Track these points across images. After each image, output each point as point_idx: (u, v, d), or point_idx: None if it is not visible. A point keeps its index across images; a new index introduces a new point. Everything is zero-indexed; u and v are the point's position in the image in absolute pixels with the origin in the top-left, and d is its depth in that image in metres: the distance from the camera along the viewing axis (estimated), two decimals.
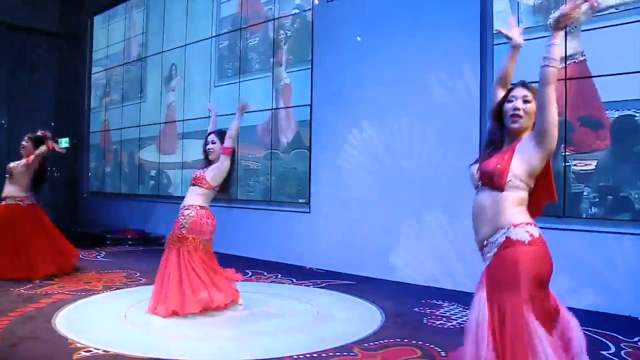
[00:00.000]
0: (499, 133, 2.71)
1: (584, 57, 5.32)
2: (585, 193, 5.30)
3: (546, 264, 2.51)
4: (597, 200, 5.17)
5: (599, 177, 5.19)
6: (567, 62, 5.40)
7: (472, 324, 2.51)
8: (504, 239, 2.52)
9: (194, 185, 5.10)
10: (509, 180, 2.54)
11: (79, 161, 12.84)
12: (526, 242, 2.48)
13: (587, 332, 4.36)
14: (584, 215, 5.29)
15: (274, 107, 8.26)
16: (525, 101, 2.61)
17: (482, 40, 6.10)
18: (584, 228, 5.28)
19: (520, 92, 2.64)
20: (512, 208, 2.55)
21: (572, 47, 5.37)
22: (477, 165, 2.71)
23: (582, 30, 5.31)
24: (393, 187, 6.75)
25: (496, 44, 5.92)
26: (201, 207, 5.01)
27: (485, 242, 2.61)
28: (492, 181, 2.58)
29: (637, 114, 5.02)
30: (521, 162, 2.55)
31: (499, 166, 2.57)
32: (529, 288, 2.42)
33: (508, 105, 2.64)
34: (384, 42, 6.92)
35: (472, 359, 2.46)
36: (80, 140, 12.78)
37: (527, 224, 2.53)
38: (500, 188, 2.56)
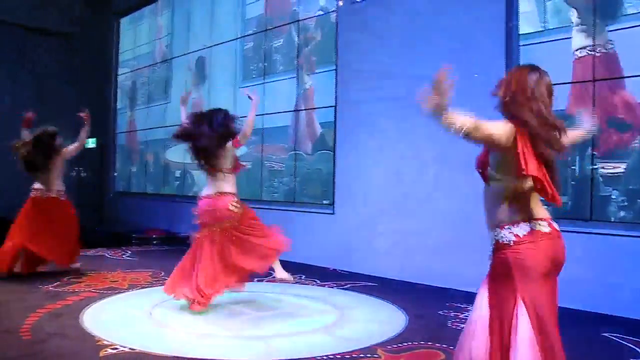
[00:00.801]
0: None
1: (606, 51, 5.24)
2: (613, 196, 5.22)
3: (535, 260, 2.48)
4: (625, 204, 5.09)
5: (628, 180, 5.11)
6: (583, 54, 5.34)
7: (471, 319, 2.60)
8: (495, 242, 2.64)
9: None
10: (489, 172, 2.64)
11: (106, 161, 13.01)
12: (511, 243, 2.52)
13: (615, 338, 4.31)
14: (612, 219, 5.21)
15: (297, 108, 8.28)
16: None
17: (508, 41, 6.04)
18: (612, 232, 5.20)
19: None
20: (501, 204, 2.61)
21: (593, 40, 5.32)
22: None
23: (610, 31, 5.24)
24: (417, 189, 6.71)
25: (522, 45, 5.88)
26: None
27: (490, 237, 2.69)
28: (480, 173, 2.71)
29: None
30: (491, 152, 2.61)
31: (479, 156, 2.71)
32: (521, 288, 2.45)
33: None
34: (408, 43, 6.88)
35: (467, 352, 2.53)
36: (106, 140, 12.95)
37: (511, 224, 2.55)
38: (485, 180, 2.68)
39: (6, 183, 8.87)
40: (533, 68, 2.65)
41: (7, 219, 6.76)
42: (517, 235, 2.51)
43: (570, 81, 5.49)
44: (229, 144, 4.94)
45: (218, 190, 4.96)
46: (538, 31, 5.80)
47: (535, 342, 2.37)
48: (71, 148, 6.77)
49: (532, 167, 2.43)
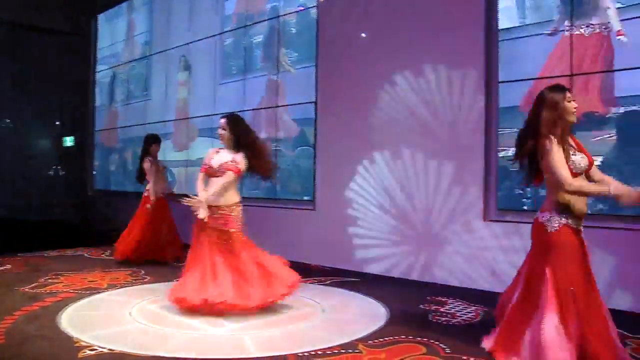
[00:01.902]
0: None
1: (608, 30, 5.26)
2: None
3: None
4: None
5: (605, 174, 5.13)
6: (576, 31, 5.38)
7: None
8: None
9: None
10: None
11: (84, 160, 12.86)
12: None
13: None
14: (589, 212, 5.23)
15: (277, 104, 8.25)
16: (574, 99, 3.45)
17: (487, 37, 6.07)
18: (587, 224, 5.22)
19: (570, 93, 3.45)
20: None
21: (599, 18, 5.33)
22: (584, 157, 3.41)
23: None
24: (398, 184, 6.73)
25: (501, 40, 5.92)
26: None
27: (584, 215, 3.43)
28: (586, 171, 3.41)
29: None
30: None
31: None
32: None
33: (570, 105, 3.41)
34: (388, 38, 6.89)
35: None
36: (85, 138, 12.81)
37: None
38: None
39: None
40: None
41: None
42: None
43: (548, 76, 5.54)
44: None
45: None
46: (517, 26, 5.84)
47: None
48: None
49: None
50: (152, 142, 7.71)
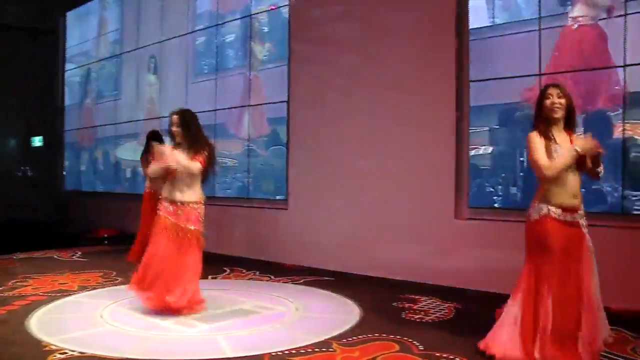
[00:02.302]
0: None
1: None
2: None
3: None
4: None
5: None
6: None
7: None
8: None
9: None
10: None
11: (54, 160, 12.65)
12: None
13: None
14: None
15: (250, 103, 8.23)
16: (559, 96, 3.52)
17: (459, 36, 6.12)
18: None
19: (553, 90, 3.54)
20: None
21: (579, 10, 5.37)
22: (572, 147, 3.45)
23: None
24: (370, 183, 6.75)
25: (472, 40, 5.97)
26: None
27: (577, 208, 3.52)
28: (583, 163, 3.49)
29: None
30: None
31: None
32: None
33: (547, 102, 3.53)
34: (360, 39, 6.91)
35: None
36: (54, 138, 12.60)
37: None
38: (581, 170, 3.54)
39: None
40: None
41: None
42: None
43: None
44: None
45: None
46: (487, 26, 5.90)
47: None
48: None
49: None
50: (152, 138, 7.36)
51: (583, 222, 3.56)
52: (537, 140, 3.52)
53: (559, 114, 3.52)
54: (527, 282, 3.55)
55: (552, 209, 3.50)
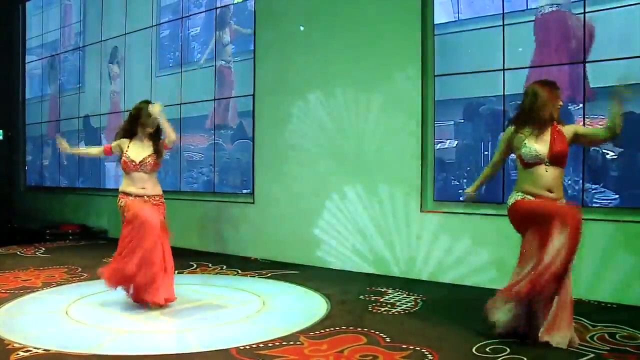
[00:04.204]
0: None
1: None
2: None
3: None
4: None
5: None
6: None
7: None
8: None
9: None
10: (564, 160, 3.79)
11: (15, 154, 12.37)
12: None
13: None
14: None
15: (216, 97, 8.17)
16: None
17: (423, 30, 6.18)
18: None
19: (559, 92, 3.80)
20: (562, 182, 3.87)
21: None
22: (543, 146, 3.71)
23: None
24: (336, 177, 6.78)
25: (437, 35, 6.04)
26: None
27: (552, 200, 3.72)
28: (561, 161, 3.74)
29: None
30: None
31: (565, 151, 3.73)
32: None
33: (560, 102, 3.80)
34: (326, 32, 6.92)
35: None
36: (15, 132, 12.32)
37: None
38: (562, 166, 3.77)
39: None
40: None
41: None
42: None
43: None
44: None
45: None
46: (452, 21, 5.98)
47: None
48: None
49: None
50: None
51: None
52: (499, 143, 4.03)
53: (558, 114, 3.83)
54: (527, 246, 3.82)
55: (527, 196, 3.81)
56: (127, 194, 4.87)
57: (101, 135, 10.07)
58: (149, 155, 4.86)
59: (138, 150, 4.89)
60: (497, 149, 4.09)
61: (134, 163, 4.84)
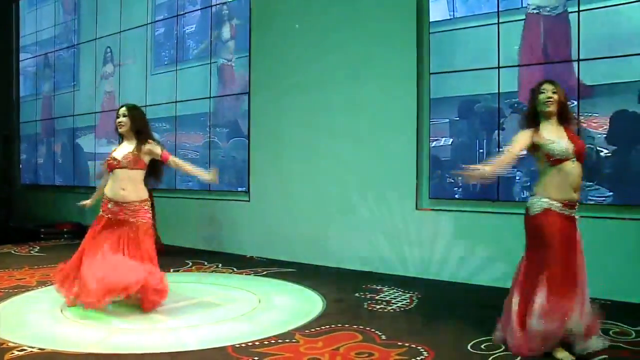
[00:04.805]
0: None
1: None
2: (517, 178, 5.48)
3: None
4: (529, 184, 5.33)
5: (531, 162, 5.33)
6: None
7: None
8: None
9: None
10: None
11: (10, 153, 12.32)
12: None
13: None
14: (517, 199, 5.46)
15: (211, 95, 8.16)
16: (553, 92, 3.63)
17: (419, 27, 6.18)
18: (516, 211, 5.41)
19: (548, 86, 3.65)
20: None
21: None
22: (567, 142, 3.57)
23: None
24: (332, 175, 6.79)
25: (432, 33, 6.04)
26: None
27: (575, 202, 3.58)
28: (584, 156, 3.64)
29: None
30: None
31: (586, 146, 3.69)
32: None
33: (542, 96, 3.64)
34: (321, 31, 6.92)
35: None
36: (10, 131, 12.27)
37: None
38: (583, 162, 3.64)
39: None
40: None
41: None
42: None
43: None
44: None
45: None
46: (447, 19, 5.98)
47: None
48: None
49: None
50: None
51: (577, 217, 3.63)
52: (518, 138, 3.68)
53: (552, 107, 3.62)
54: (525, 274, 3.61)
55: (554, 203, 3.55)
56: (107, 201, 4.82)
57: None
58: (130, 152, 4.79)
59: (122, 150, 4.84)
60: (516, 142, 3.66)
61: (116, 160, 4.79)
